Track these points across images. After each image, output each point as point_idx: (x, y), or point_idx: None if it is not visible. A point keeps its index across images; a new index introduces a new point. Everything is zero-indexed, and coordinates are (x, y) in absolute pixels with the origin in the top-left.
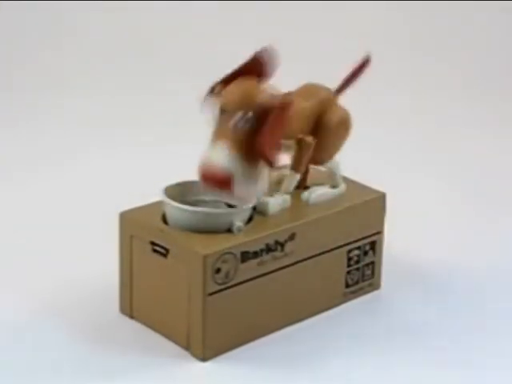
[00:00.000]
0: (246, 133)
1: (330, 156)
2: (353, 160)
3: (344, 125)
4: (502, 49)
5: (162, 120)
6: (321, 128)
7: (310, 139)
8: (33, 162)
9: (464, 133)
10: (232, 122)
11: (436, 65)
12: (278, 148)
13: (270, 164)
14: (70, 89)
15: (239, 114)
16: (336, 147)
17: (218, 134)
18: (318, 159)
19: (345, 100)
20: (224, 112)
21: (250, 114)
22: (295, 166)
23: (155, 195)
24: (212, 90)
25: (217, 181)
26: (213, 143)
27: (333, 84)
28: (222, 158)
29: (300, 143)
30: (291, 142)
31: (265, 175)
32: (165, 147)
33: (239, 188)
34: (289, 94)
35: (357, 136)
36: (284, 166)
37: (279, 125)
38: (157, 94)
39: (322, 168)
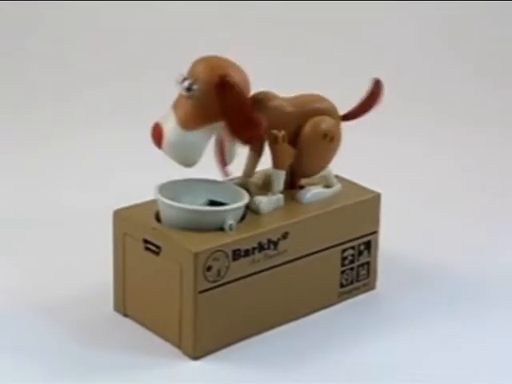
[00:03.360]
0: (192, 100)
1: (314, 169)
2: (349, 159)
3: (329, 137)
4: (501, 45)
5: (157, 118)
6: (303, 137)
7: (276, 132)
8: (28, 160)
9: (464, 132)
10: (181, 87)
11: (436, 64)
12: (253, 124)
13: (249, 142)
14: (65, 87)
15: (187, 81)
16: (320, 160)
17: (174, 102)
18: (301, 171)
19: (344, 98)
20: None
21: (194, 83)
22: (274, 163)
23: (149, 193)
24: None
25: (152, 135)
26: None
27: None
28: (165, 118)
29: (269, 138)
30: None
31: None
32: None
33: (170, 145)
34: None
35: (353, 135)
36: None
37: (234, 103)
38: (154, 93)
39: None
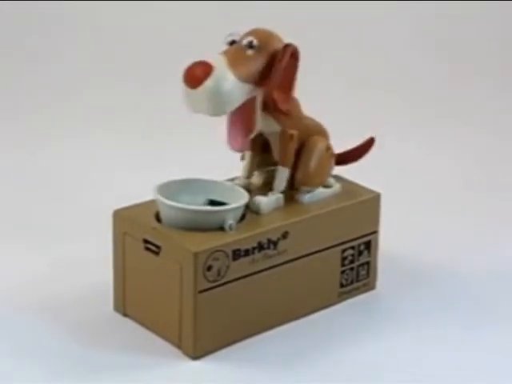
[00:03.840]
0: (248, 55)
1: (318, 179)
2: None
3: (330, 151)
4: (501, 45)
5: (157, 118)
6: (309, 143)
7: (291, 131)
8: (27, 159)
9: (464, 132)
10: (238, 42)
11: (435, 64)
12: (289, 99)
13: (281, 111)
14: (65, 87)
15: (248, 38)
16: (322, 172)
17: (223, 51)
18: (305, 182)
19: (344, 97)
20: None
21: (256, 41)
22: (281, 161)
23: (149, 193)
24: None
25: (194, 71)
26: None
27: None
28: (214, 59)
29: (282, 136)
30: (276, 129)
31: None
32: (160, 146)
33: (218, 91)
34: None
35: (352, 135)
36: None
37: (290, 72)
38: (153, 93)
39: None
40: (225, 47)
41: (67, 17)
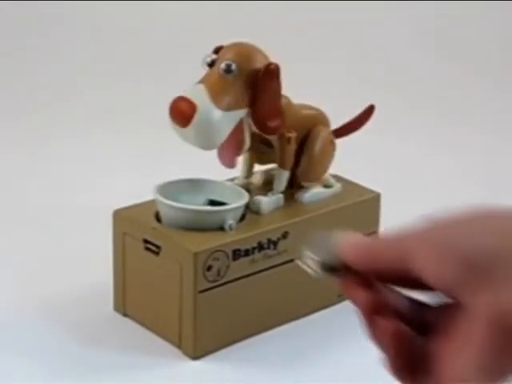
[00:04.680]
0: (227, 81)
1: (319, 173)
2: (349, 159)
3: (333, 143)
4: (501, 45)
5: (157, 118)
6: (309, 142)
7: (289, 134)
8: (27, 159)
9: (464, 132)
10: (217, 67)
11: (435, 64)
12: (278, 115)
13: (272, 133)
14: (65, 87)
15: (225, 62)
16: (324, 165)
17: (202, 79)
18: (307, 176)
19: (344, 97)
20: (214, 64)
21: (234, 65)
22: (280, 163)
23: (149, 193)
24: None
25: (179, 111)
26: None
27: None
28: (193, 93)
29: (281, 138)
30: (274, 138)
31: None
32: (160, 146)
33: (200, 123)
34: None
35: (353, 136)
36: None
37: (272, 91)
38: (153, 93)
39: None
40: (204, 69)
41: (67, 17)
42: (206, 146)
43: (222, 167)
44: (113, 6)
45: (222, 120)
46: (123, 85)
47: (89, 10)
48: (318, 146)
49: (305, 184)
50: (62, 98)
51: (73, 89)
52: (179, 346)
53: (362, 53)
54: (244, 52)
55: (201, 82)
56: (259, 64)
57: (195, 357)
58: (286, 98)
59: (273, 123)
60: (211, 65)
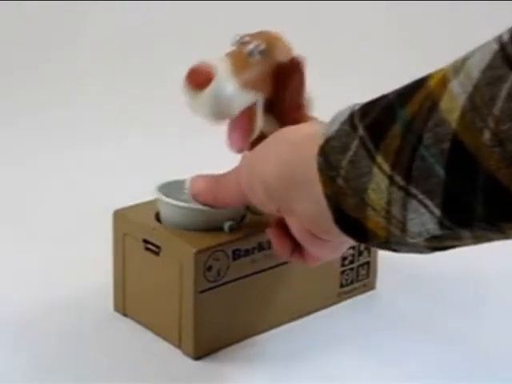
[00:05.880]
0: (252, 62)
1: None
2: None
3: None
4: None
5: (157, 118)
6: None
7: None
8: (27, 159)
9: None
10: (245, 48)
11: (435, 64)
12: (302, 107)
13: (292, 123)
14: (65, 87)
15: (254, 43)
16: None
17: (228, 53)
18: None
19: (343, 96)
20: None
21: (263, 46)
22: None
23: (149, 193)
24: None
25: (197, 73)
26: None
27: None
28: (217, 62)
29: None
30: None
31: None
32: (160, 145)
33: (216, 94)
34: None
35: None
36: None
37: (296, 86)
38: (153, 93)
39: None
40: (231, 47)
41: (68, 17)
42: (216, 115)
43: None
44: (113, 6)
45: (238, 94)
46: (123, 84)
47: (89, 10)
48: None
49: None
50: (62, 98)
51: (73, 89)
52: (179, 346)
53: (362, 53)
54: (273, 39)
55: (226, 55)
56: (286, 55)
57: (195, 357)
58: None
59: (295, 115)
60: (239, 45)
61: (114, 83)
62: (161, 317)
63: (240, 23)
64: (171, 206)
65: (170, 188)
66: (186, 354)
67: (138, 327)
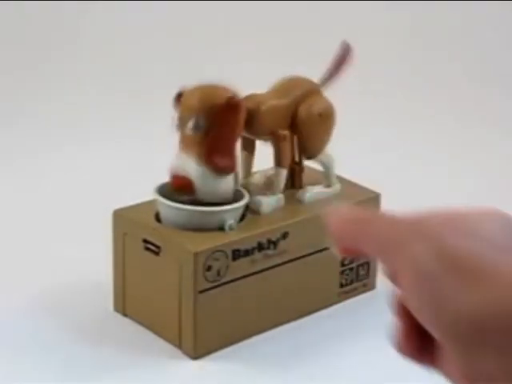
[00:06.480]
0: (201, 137)
1: (317, 148)
2: (349, 159)
3: (325, 116)
4: (505, 47)
5: (157, 118)
6: (300, 122)
7: (283, 132)
8: (27, 160)
9: (463, 132)
10: (187, 129)
11: (436, 63)
12: (230, 153)
13: (222, 171)
14: (65, 87)
15: (192, 120)
16: (321, 139)
17: (180, 142)
18: (306, 153)
19: (343, 97)
20: (183, 119)
21: (201, 118)
22: (277, 162)
23: (149, 193)
24: (177, 97)
25: (180, 187)
26: (178, 152)
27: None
28: (183, 165)
29: (274, 138)
30: (266, 138)
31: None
32: (160, 145)
33: (203, 190)
34: (236, 95)
35: (353, 136)
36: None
37: (229, 127)
38: (153, 93)
39: (315, 163)
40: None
41: (67, 17)
42: (222, 197)
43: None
44: (113, 6)
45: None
46: (123, 84)
47: (88, 10)
48: (304, 126)
49: (305, 182)
50: (62, 98)
51: (73, 89)
52: (179, 346)
53: (361, 53)
54: (206, 98)
55: (182, 150)
56: (221, 100)
57: (195, 357)
58: (252, 100)
59: (221, 161)
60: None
61: (114, 83)
62: (161, 317)
63: (240, 23)
64: (171, 207)
65: (170, 188)
66: (186, 353)
67: (138, 327)
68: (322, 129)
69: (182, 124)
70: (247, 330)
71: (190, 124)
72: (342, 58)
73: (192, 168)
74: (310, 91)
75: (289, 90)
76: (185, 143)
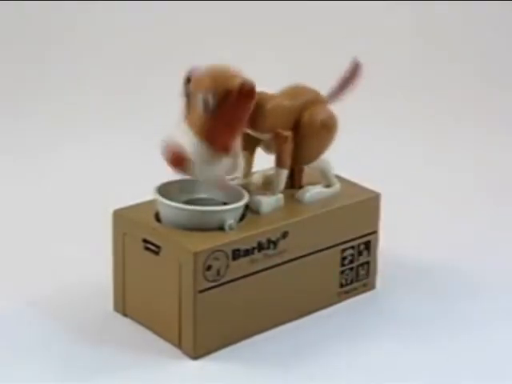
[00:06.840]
0: (207, 117)
1: (312, 157)
2: (349, 159)
3: (327, 126)
4: (504, 48)
5: (157, 118)
6: (302, 126)
7: (286, 133)
8: (28, 160)
9: (464, 132)
10: (194, 105)
11: (436, 64)
12: (233, 135)
13: (223, 150)
14: (66, 87)
15: (200, 97)
16: (318, 148)
17: (185, 118)
18: (299, 159)
19: (343, 97)
20: (192, 96)
21: (210, 97)
22: (278, 162)
23: (149, 193)
24: (187, 78)
25: (175, 162)
26: (179, 127)
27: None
28: (182, 141)
29: (277, 138)
30: (267, 136)
31: (230, 160)
32: (160, 145)
33: (199, 170)
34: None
35: (353, 135)
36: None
37: (237, 112)
38: (153, 93)
39: (311, 167)
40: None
41: (67, 17)
42: (215, 179)
43: None
44: (113, 5)
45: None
46: (123, 85)
47: (89, 10)
48: (305, 131)
49: (305, 182)
50: (62, 98)
51: (73, 89)
52: (179, 345)
53: (361, 53)
54: (219, 79)
55: (185, 122)
56: (234, 84)
57: (195, 357)
58: (261, 96)
59: (221, 139)
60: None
61: (114, 83)
62: (160, 316)
63: (240, 23)
64: (171, 207)
65: (170, 188)
66: (186, 353)
67: (138, 327)
68: (321, 138)
69: (190, 100)
70: (247, 330)
71: (199, 101)
72: (352, 75)
73: (190, 144)
74: (317, 100)
75: (296, 95)
76: (189, 119)
